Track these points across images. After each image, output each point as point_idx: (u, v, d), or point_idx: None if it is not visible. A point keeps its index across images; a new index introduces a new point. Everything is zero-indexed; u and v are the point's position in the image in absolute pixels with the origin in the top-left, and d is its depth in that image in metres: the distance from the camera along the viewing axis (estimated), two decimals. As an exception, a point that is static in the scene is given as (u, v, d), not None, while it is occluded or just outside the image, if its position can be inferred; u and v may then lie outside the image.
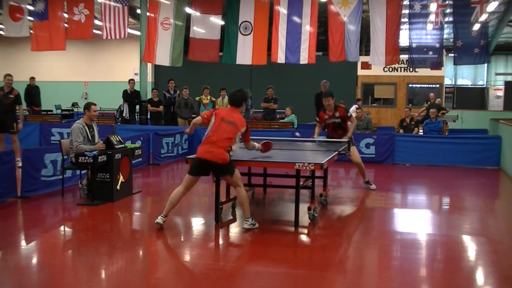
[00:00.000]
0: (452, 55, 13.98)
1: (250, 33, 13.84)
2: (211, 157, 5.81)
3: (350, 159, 8.24)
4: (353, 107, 15.87)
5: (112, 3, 14.20)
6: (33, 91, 15.08)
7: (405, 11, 13.34)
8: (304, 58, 13.48)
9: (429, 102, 16.01)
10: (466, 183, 10.02)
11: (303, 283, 4.47)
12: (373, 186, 8.83)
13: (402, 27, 13.84)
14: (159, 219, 5.98)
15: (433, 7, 12.88)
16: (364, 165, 8.70)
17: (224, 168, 5.89)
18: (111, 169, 7.36)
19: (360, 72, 19.34)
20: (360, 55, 14.00)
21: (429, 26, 13.19)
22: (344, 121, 8.25)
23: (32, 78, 15.23)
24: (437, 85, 19.27)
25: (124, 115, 14.32)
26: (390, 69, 18.96)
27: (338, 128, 8.31)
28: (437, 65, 13.76)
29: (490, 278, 4.84)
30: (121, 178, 7.58)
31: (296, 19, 13.48)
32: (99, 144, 7.47)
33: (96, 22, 15.38)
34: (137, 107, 14.68)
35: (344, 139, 7.87)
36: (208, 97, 14.13)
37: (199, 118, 6.16)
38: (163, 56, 14.29)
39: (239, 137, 6.00)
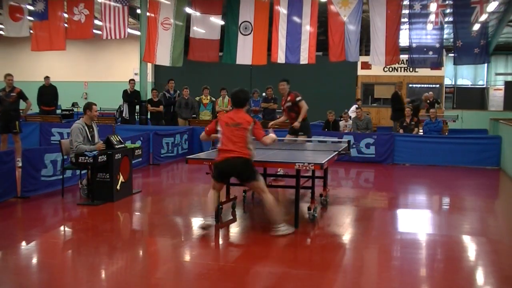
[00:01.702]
0: (452, 55, 13.97)
1: (250, 33, 13.84)
2: (230, 162, 5.72)
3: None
4: (353, 107, 15.89)
5: (112, 3, 14.20)
6: (44, 90, 14.95)
7: (405, 11, 13.33)
8: (304, 58, 13.48)
9: (428, 101, 16.09)
10: (466, 183, 10.02)
11: (303, 283, 4.47)
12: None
13: (402, 27, 13.83)
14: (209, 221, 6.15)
15: (433, 7, 12.88)
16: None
17: (246, 171, 5.76)
18: (111, 169, 7.36)
19: (360, 72, 19.33)
20: (360, 55, 13.99)
21: (429, 26, 13.19)
22: (296, 105, 9.15)
23: (47, 78, 15.02)
24: (437, 85, 19.26)
25: (124, 115, 14.32)
26: (390, 69, 18.96)
27: (291, 111, 9.26)
28: (437, 65, 13.76)
29: (490, 278, 4.84)
30: (121, 178, 7.58)
31: (296, 19, 13.47)
32: (99, 144, 7.47)
33: (96, 22, 15.38)
34: (137, 107, 14.67)
35: (296, 124, 8.99)
36: (208, 97, 14.13)
37: (203, 134, 6.10)
38: (164, 56, 14.29)
39: (250, 135, 5.81)
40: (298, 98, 9.21)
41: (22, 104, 11.10)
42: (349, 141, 7.74)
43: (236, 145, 5.71)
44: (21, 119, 10.82)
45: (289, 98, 9.33)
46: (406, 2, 13.13)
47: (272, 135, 6.09)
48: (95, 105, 7.71)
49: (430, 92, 16.81)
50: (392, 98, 13.95)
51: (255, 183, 5.80)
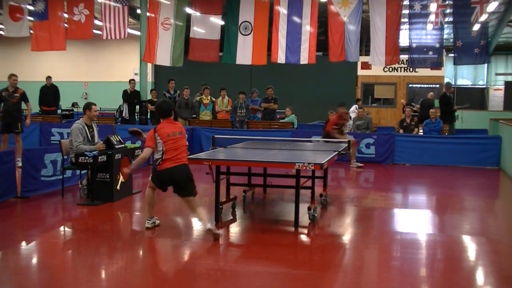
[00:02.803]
0: (452, 55, 13.97)
1: (250, 33, 13.84)
2: (179, 170, 5.76)
3: None
4: (353, 107, 15.88)
5: (112, 3, 14.20)
6: (45, 91, 14.94)
7: (405, 11, 13.34)
8: (304, 58, 13.48)
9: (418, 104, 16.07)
10: (466, 183, 10.02)
11: (303, 283, 4.47)
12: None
13: (402, 27, 13.83)
14: (148, 224, 6.11)
15: (433, 7, 12.88)
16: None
17: (189, 186, 5.84)
18: (111, 169, 7.36)
19: (360, 72, 19.34)
20: (360, 55, 14.00)
21: (429, 26, 13.19)
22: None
23: (48, 78, 15.03)
24: (437, 85, 19.26)
25: (123, 115, 14.32)
26: (390, 69, 18.96)
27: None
28: (437, 65, 13.76)
29: (490, 278, 4.84)
30: (121, 178, 7.58)
31: (296, 19, 13.48)
32: (99, 144, 7.46)
33: (96, 22, 15.37)
34: (137, 107, 14.67)
35: None
36: (209, 97, 14.12)
37: (147, 150, 5.83)
38: (164, 56, 14.29)
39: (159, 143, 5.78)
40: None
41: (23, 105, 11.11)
42: (349, 141, 7.74)
43: (183, 153, 5.85)
44: (26, 119, 10.81)
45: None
46: (406, 2, 13.14)
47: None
48: (95, 105, 7.70)
49: (431, 93, 16.83)
50: (441, 99, 13.54)
51: (192, 199, 5.83)
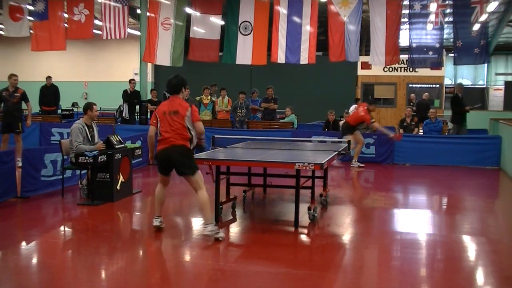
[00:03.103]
0: (452, 55, 13.96)
1: (250, 33, 13.84)
2: (170, 150, 5.53)
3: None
4: (352, 107, 15.87)
5: (112, 3, 14.19)
6: (46, 91, 14.94)
7: (405, 11, 13.33)
8: (304, 58, 13.47)
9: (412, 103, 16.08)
10: (466, 183, 10.02)
11: (303, 283, 4.47)
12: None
13: (402, 27, 13.83)
14: (157, 222, 5.94)
15: (433, 7, 12.88)
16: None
17: (186, 164, 5.57)
18: (111, 169, 7.37)
19: (360, 72, 19.33)
20: (360, 55, 13.98)
21: (429, 26, 13.18)
22: None
23: (48, 78, 15.03)
24: (437, 85, 19.27)
25: (123, 115, 14.32)
26: (390, 69, 18.95)
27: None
28: (437, 65, 13.75)
29: (490, 278, 4.84)
30: (121, 178, 7.58)
31: (296, 19, 13.47)
32: (99, 144, 7.47)
33: (96, 22, 15.37)
34: (137, 107, 14.66)
35: None
36: (209, 97, 14.13)
37: (151, 128, 5.73)
38: (164, 56, 14.28)
39: (189, 122, 5.59)
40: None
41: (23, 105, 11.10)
42: (349, 141, 7.75)
43: (175, 133, 5.53)
44: (26, 120, 10.81)
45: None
46: (406, 2, 13.13)
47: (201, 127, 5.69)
48: (95, 105, 7.71)
49: (426, 93, 16.88)
50: (452, 100, 13.45)
51: (191, 177, 5.59)
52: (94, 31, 14.78)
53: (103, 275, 4.79)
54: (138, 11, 15.62)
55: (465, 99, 13.39)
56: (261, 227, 6.21)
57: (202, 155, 7.00)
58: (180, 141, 5.55)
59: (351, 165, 11.27)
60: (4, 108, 10.63)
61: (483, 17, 12.67)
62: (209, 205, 5.65)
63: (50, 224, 6.75)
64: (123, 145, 7.81)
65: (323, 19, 14.38)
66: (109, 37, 14.47)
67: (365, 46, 20.00)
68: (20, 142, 10.52)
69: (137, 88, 14.70)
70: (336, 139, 10.13)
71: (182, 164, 5.59)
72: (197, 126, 5.65)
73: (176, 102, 5.70)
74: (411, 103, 16.69)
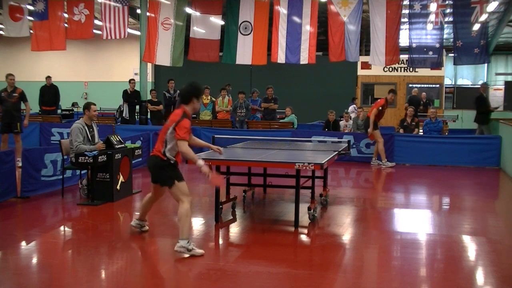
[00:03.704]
0: (452, 55, 13.97)
1: (250, 33, 13.84)
2: (148, 161, 5.42)
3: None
4: (351, 107, 15.88)
5: (112, 3, 14.20)
6: (45, 90, 14.95)
7: (405, 11, 13.34)
8: (304, 58, 13.48)
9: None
10: (466, 183, 10.02)
11: (303, 283, 4.47)
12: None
13: (402, 27, 13.83)
14: (133, 222, 5.89)
15: (433, 7, 12.88)
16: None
17: (158, 175, 5.33)
18: (111, 169, 7.37)
19: (360, 72, 19.33)
20: (360, 55, 13.99)
21: (429, 26, 13.19)
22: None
23: (48, 77, 15.03)
24: (437, 85, 19.26)
25: (124, 115, 14.32)
26: (390, 69, 18.95)
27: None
28: (437, 65, 13.76)
29: (490, 278, 4.85)
30: (121, 178, 7.58)
31: (296, 19, 13.48)
32: (99, 144, 7.46)
33: (96, 22, 15.37)
34: (137, 107, 14.67)
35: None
36: (209, 97, 14.13)
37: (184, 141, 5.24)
38: (164, 56, 14.29)
39: (170, 137, 5.22)
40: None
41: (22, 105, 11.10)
42: (349, 141, 7.75)
43: (157, 144, 5.34)
44: (24, 119, 10.81)
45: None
46: (406, 2, 13.14)
47: (192, 154, 5.20)
48: (94, 105, 7.70)
49: (415, 89, 16.91)
50: (476, 100, 13.40)
51: (169, 190, 5.28)
52: (94, 31, 14.79)
53: (103, 275, 4.79)
54: (138, 11, 15.63)
55: (464, 99, 13.42)
56: (261, 227, 6.21)
57: (202, 155, 7.01)
58: (155, 152, 5.32)
59: (380, 164, 11.48)
60: (3, 108, 10.63)
61: (483, 17, 12.67)
62: (185, 220, 5.12)
63: (50, 224, 6.75)
64: (123, 145, 7.80)
65: (323, 19, 14.38)
66: (109, 37, 14.47)
67: (365, 46, 19.99)
68: (20, 142, 10.53)
69: (137, 88, 14.70)
70: (336, 139, 10.15)
71: (156, 176, 5.39)
72: (178, 145, 5.19)
73: (175, 112, 5.41)
74: (422, 102, 16.68)
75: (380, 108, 11.52)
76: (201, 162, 5.11)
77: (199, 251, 5.11)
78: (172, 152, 5.27)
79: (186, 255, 5.04)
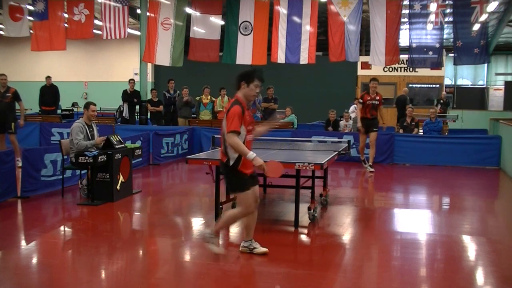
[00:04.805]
0: (452, 55, 13.98)
1: (250, 33, 13.85)
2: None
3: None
4: (352, 107, 15.87)
5: (112, 3, 14.20)
6: (45, 90, 14.95)
7: (405, 11, 13.35)
8: (304, 58, 13.49)
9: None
10: (466, 183, 10.02)
11: (303, 283, 4.47)
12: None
13: (402, 27, 13.83)
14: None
15: (433, 7, 12.89)
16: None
17: (227, 181, 5.00)
18: (111, 169, 7.36)
19: (360, 72, 19.33)
20: (360, 55, 14.00)
21: (429, 26, 13.19)
22: (378, 106, 10.67)
23: (48, 77, 15.02)
24: (437, 85, 19.26)
25: (124, 115, 14.32)
26: (390, 69, 18.96)
27: (374, 109, 10.62)
28: (437, 65, 13.76)
29: (490, 278, 4.84)
30: (121, 178, 7.58)
31: (296, 19, 13.48)
32: (99, 138, 7.49)
33: (96, 22, 15.38)
34: (137, 107, 14.68)
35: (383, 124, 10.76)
36: (209, 97, 14.13)
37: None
38: (164, 56, 14.30)
39: (225, 127, 4.80)
40: (382, 101, 10.68)
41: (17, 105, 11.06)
42: (349, 141, 7.75)
43: (221, 144, 4.87)
44: (19, 120, 10.74)
45: (377, 97, 10.54)
46: (406, 2, 13.15)
47: (239, 145, 4.68)
48: (94, 105, 7.72)
49: (405, 88, 16.82)
50: None
51: (238, 195, 4.95)
52: (94, 31, 14.80)
53: (103, 275, 4.78)
54: (138, 11, 15.63)
55: (464, 99, 13.40)
56: (261, 227, 6.20)
57: (202, 155, 7.03)
58: (220, 154, 4.90)
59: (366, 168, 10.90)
60: None
61: (483, 17, 12.67)
62: (226, 221, 5.11)
63: (50, 224, 6.75)
64: (123, 145, 7.80)
65: (323, 19, 14.38)
66: (109, 37, 14.48)
67: (365, 46, 19.99)
68: (15, 142, 10.44)
69: (137, 88, 14.71)
70: (336, 139, 10.14)
71: (226, 184, 5.08)
72: (227, 137, 4.70)
73: (230, 102, 4.95)
74: (441, 101, 16.63)
75: (361, 100, 10.72)
76: (252, 155, 4.64)
77: (219, 249, 5.15)
78: (232, 149, 4.75)
79: (211, 247, 5.04)
